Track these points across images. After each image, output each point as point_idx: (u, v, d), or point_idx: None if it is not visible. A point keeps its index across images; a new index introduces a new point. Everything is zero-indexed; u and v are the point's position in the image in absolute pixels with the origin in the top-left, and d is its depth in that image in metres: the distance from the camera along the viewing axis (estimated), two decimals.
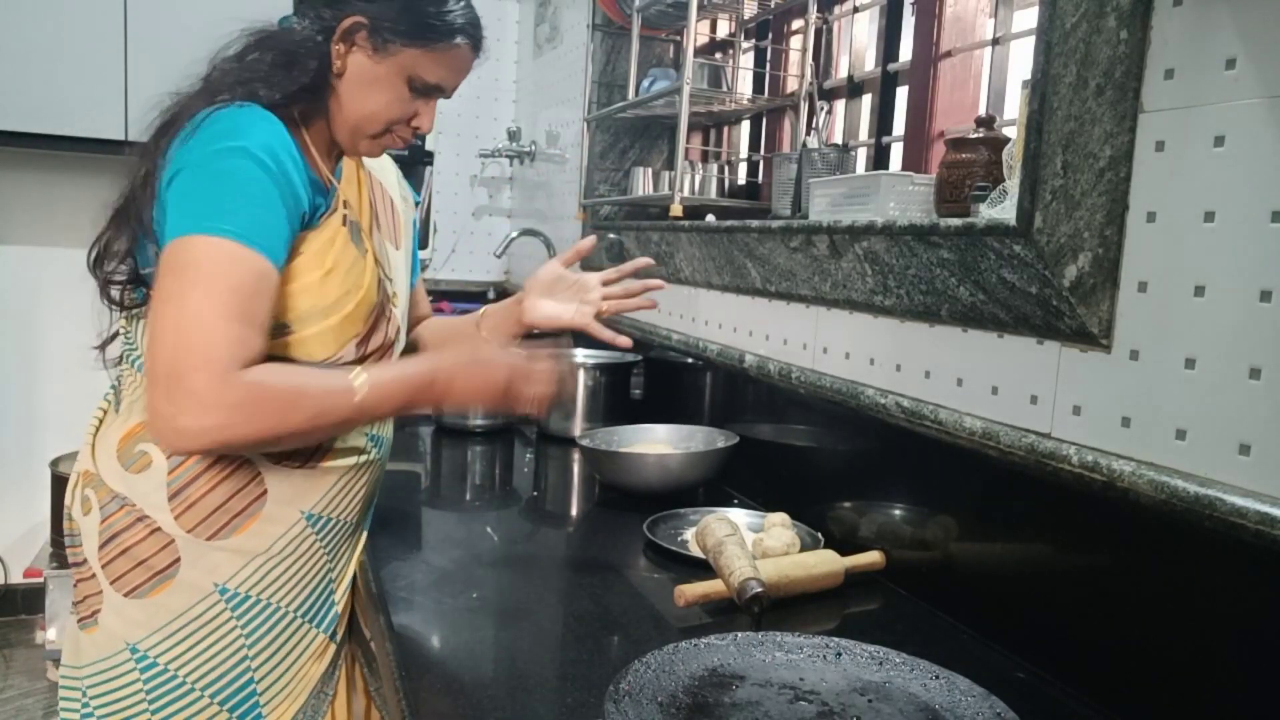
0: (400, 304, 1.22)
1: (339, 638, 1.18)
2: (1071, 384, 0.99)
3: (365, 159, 1.23)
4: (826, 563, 1.20)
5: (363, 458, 1.16)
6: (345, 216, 1.11)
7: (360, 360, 1.11)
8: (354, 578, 1.21)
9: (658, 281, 1.40)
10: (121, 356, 1.16)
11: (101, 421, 1.16)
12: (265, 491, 1.08)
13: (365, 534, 1.24)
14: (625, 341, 1.33)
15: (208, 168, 0.99)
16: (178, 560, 1.05)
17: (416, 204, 1.36)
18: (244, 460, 1.06)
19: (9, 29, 2.62)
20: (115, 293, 1.10)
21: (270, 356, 1.01)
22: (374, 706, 1.24)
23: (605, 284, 1.36)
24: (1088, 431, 0.97)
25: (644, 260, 1.40)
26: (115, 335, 1.18)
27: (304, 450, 1.09)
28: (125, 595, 1.06)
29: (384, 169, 1.30)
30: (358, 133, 1.13)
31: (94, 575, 1.08)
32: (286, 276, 1.03)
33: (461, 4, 1.13)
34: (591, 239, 1.41)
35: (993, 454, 1.07)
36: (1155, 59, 0.90)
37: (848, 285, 1.35)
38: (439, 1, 1.11)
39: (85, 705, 1.09)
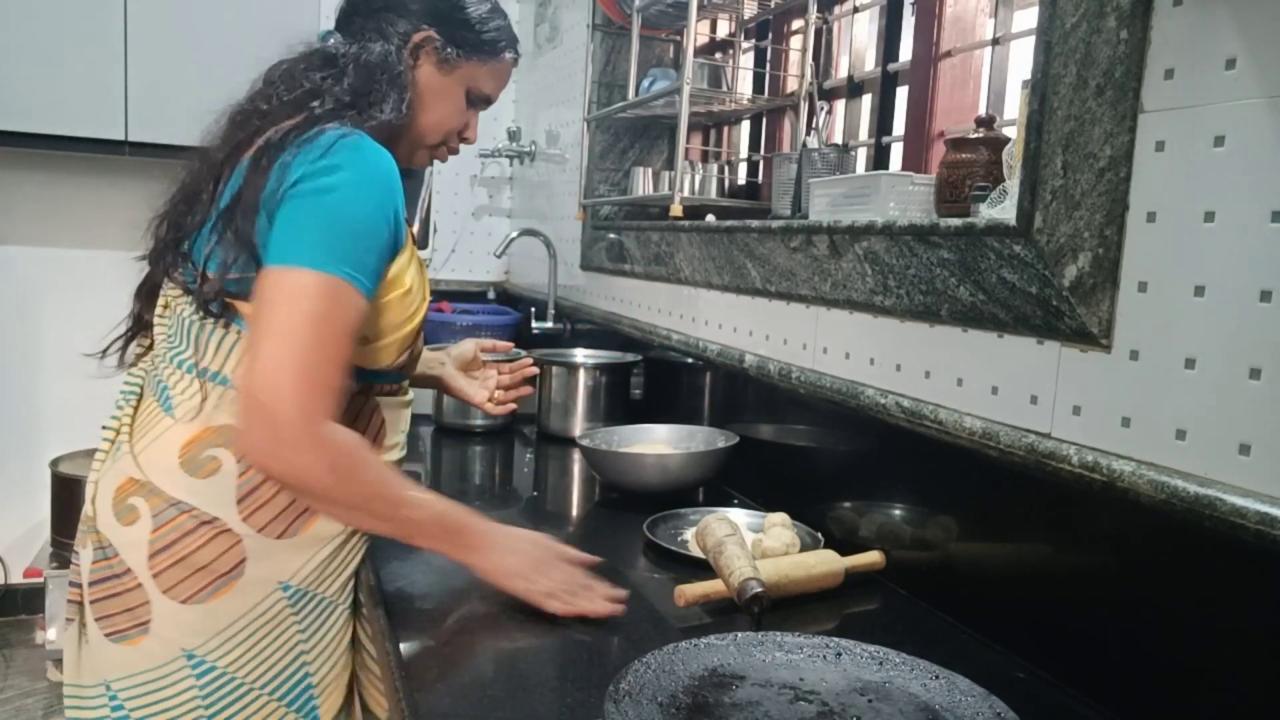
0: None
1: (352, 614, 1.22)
2: (1071, 384, 0.99)
3: None
4: (826, 562, 1.20)
5: (399, 454, 1.23)
6: (411, 235, 1.16)
7: (404, 365, 1.19)
8: None
9: (527, 361, 1.63)
10: (162, 357, 1.13)
11: (132, 426, 1.13)
12: None
13: None
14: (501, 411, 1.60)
15: (333, 198, 1.01)
16: (244, 561, 1.06)
17: None
18: None
19: (9, 29, 2.62)
20: (211, 305, 1.07)
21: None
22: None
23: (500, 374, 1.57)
24: (1088, 431, 0.97)
25: (525, 362, 1.63)
26: (132, 337, 1.20)
27: None
28: (182, 602, 1.05)
29: None
30: (417, 144, 1.21)
31: (138, 585, 1.06)
32: (376, 295, 1.08)
33: (506, 20, 1.23)
34: (508, 345, 1.69)
35: (993, 454, 1.07)
36: (1155, 59, 0.90)
37: (848, 285, 1.35)
38: (491, 17, 1.20)
39: (120, 714, 1.06)
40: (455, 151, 1.28)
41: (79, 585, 1.12)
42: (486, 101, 1.24)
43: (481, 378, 1.59)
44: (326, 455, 0.99)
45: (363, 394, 1.15)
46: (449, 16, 1.16)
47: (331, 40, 1.18)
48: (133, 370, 1.19)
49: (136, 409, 1.15)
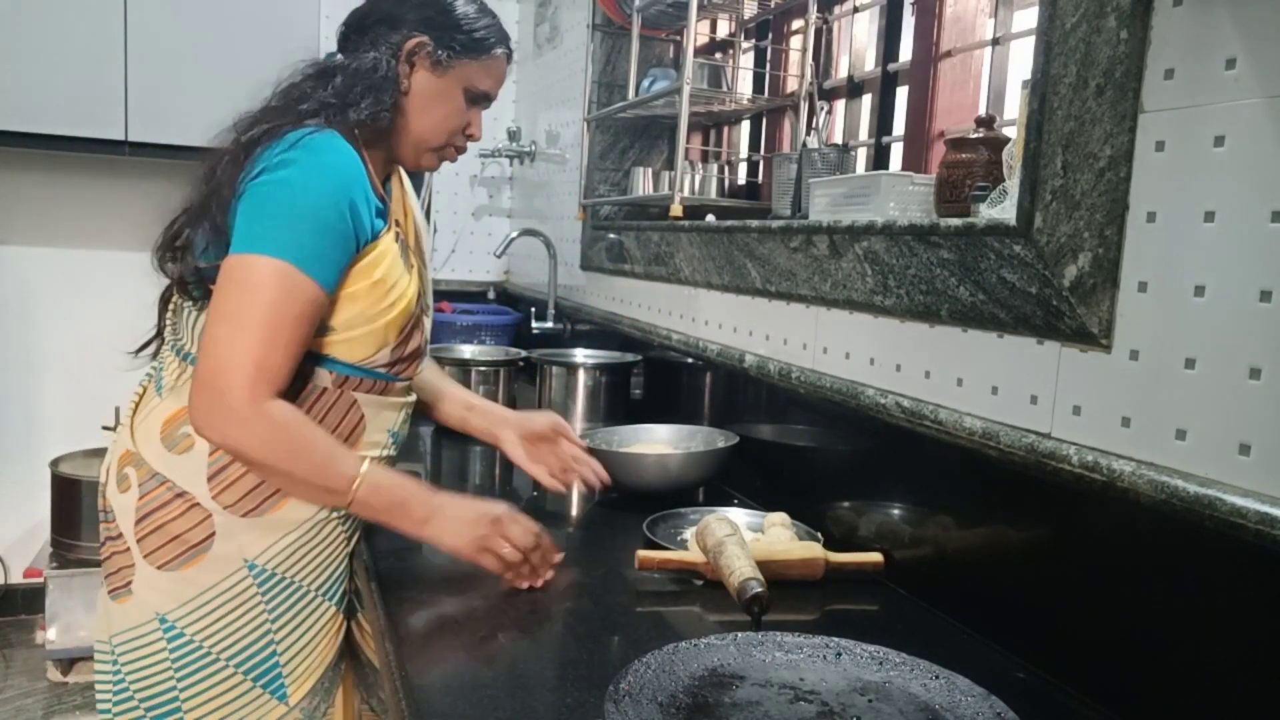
0: (430, 317, 1.33)
1: (342, 612, 1.24)
2: (1071, 384, 0.99)
3: (405, 185, 1.34)
4: (806, 549, 1.22)
5: (383, 452, 1.24)
6: (397, 234, 1.21)
7: (394, 364, 1.21)
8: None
9: (598, 477, 1.46)
10: (166, 344, 1.23)
11: (139, 404, 1.22)
12: None
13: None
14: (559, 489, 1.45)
15: (286, 189, 1.07)
16: (213, 535, 1.13)
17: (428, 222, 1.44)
18: None
19: (9, 29, 2.62)
20: (191, 289, 1.16)
21: (310, 353, 1.12)
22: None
23: (575, 460, 1.44)
24: (1088, 431, 0.97)
25: (597, 471, 1.47)
26: (156, 336, 1.26)
27: (337, 437, 1.16)
28: (158, 568, 1.13)
29: (410, 193, 1.38)
30: (421, 146, 1.25)
31: (128, 549, 1.15)
32: (337, 284, 1.12)
33: (495, 18, 1.27)
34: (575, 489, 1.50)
35: (993, 454, 1.07)
36: (1155, 59, 0.90)
37: (848, 285, 1.35)
38: (480, 16, 1.25)
39: (117, 672, 1.15)
40: (463, 150, 1.31)
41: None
42: (486, 99, 1.28)
43: (545, 453, 1.47)
44: (262, 429, 1.06)
45: (339, 386, 1.17)
46: (438, 21, 1.21)
47: (333, 57, 1.24)
48: (153, 362, 1.27)
49: (144, 392, 1.23)
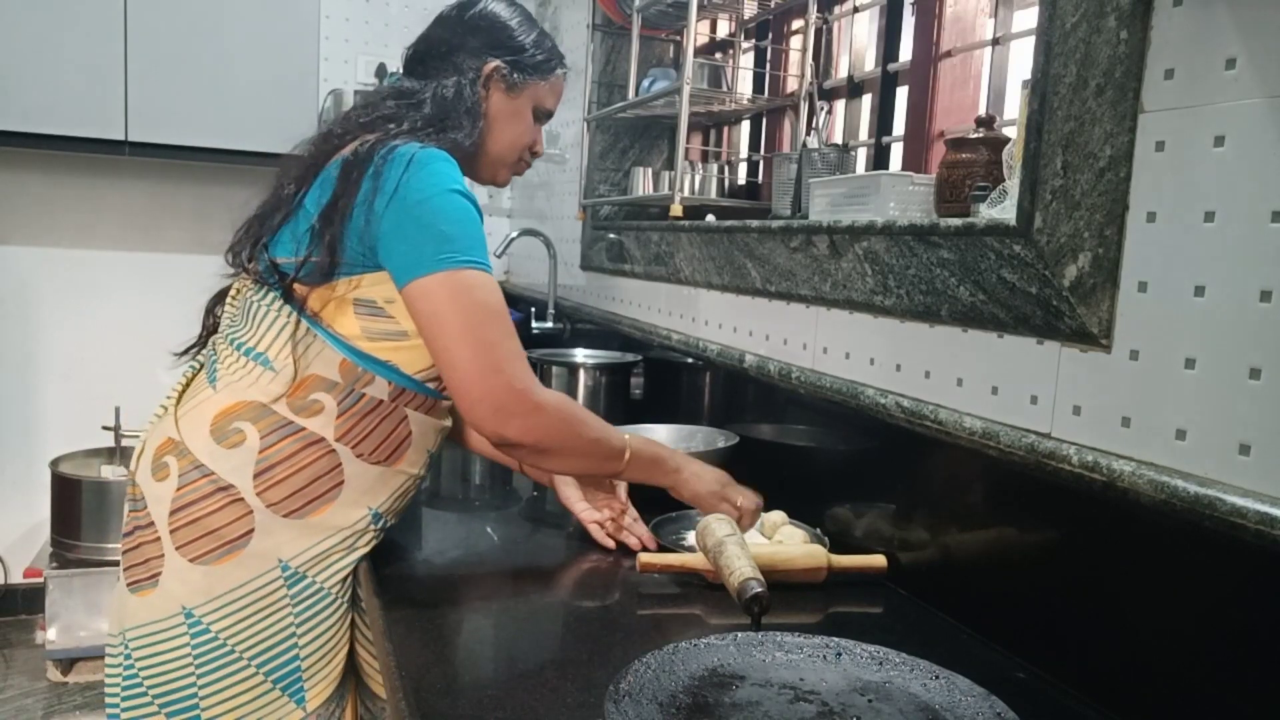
0: None
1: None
2: (1071, 384, 0.99)
3: None
4: (811, 556, 1.21)
5: (419, 470, 1.26)
6: None
7: (439, 376, 1.22)
8: None
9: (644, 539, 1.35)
10: (221, 336, 1.23)
11: (184, 392, 1.23)
12: (342, 483, 1.16)
13: None
14: (609, 544, 1.34)
15: (441, 207, 1.12)
16: (251, 532, 1.13)
17: None
18: (329, 450, 1.15)
19: (9, 29, 2.62)
20: (270, 279, 1.18)
21: (374, 359, 1.16)
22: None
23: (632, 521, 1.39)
24: (1088, 431, 0.97)
25: (638, 532, 1.36)
26: (200, 341, 1.29)
27: (384, 450, 1.19)
28: (191, 561, 1.13)
29: None
30: (500, 163, 1.35)
31: (158, 538, 1.14)
32: None
33: (551, 39, 1.37)
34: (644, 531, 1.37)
35: (993, 454, 1.07)
36: (1155, 59, 0.90)
37: (848, 285, 1.35)
38: (541, 39, 1.34)
39: (130, 667, 1.14)
40: (529, 165, 1.41)
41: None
42: (549, 115, 1.39)
43: (601, 503, 1.39)
44: (554, 411, 1.14)
45: (394, 399, 1.18)
46: (509, 45, 1.30)
47: (405, 82, 1.30)
48: (198, 355, 1.29)
49: (190, 381, 1.24)
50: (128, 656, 1.14)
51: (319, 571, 1.16)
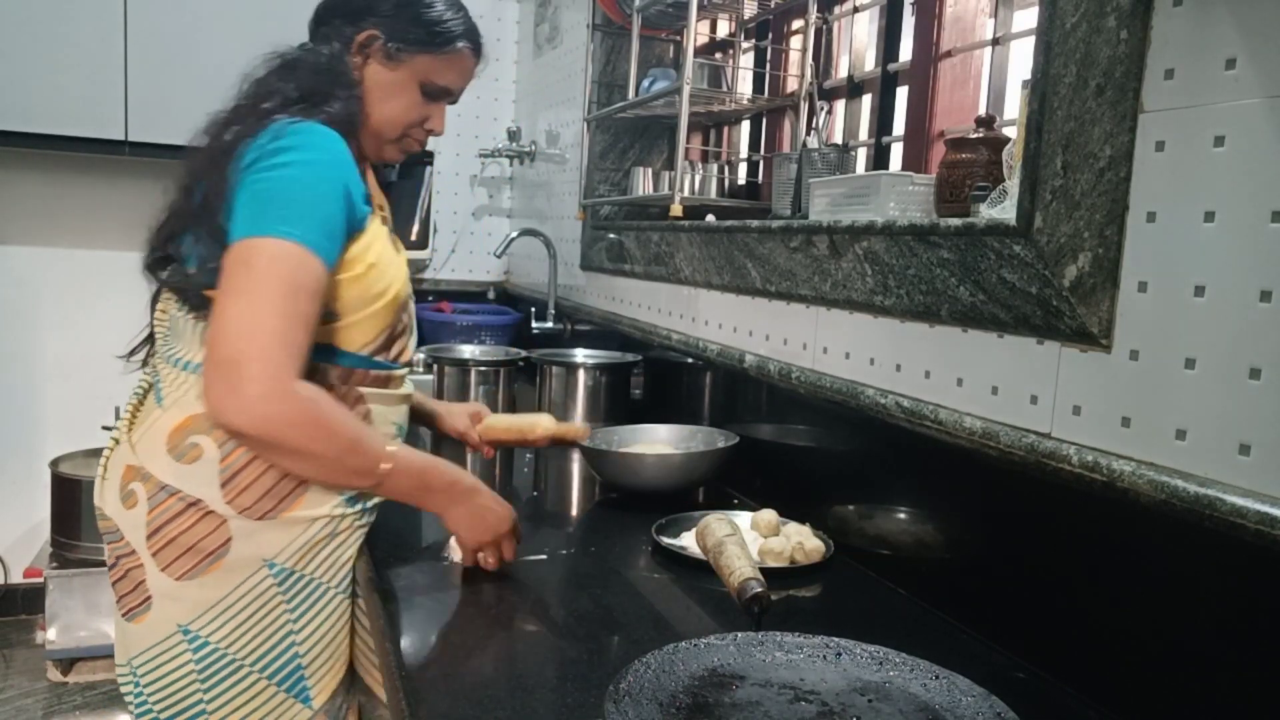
0: (413, 303, 1.33)
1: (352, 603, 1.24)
2: (1071, 384, 0.99)
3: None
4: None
5: (394, 446, 1.22)
6: (384, 218, 1.23)
7: (388, 346, 1.22)
8: None
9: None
10: (159, 355, 1.22)
11: (135, 417, 1.21)
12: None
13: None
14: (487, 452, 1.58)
15: (281, 174, 1.07)
16: (229, 540, 1.12)
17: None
18: None
19: (9, 29, 2.62)
20: (190, 297, 1.15)
21: (316, 346, 1.10)
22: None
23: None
24: (1088, 431, 0.97)
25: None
26: (148, 340, 1.26)
27: None
28: (177, 579, 1.12)
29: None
30: (379, 138, 1.25)
31: (142, 564, 1.14)
32: (336, 269, 1.12)
33: (462, 13, 1.27)
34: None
35: (993, 454, 1.07)
36: (1155, 59, 0.90)
37: (848, 285, 1.35)
38: (442, 10, 1.24)
39: (139, 695, 1.14)
40: (421, 144, 1.30)
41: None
42: (446, 94, 1.27)
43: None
44: (296, 407, 1.03)
45: (344, 382, 1.18)
46: (395, 14, 1.21)
47: (292, 52, 1.24)
48: (144, 370, 1.26)
49: (140, 405, 1.22)
50: (137, 684, 1.14)
51: (307, 564, 1.15)
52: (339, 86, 1.19)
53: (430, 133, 1.28)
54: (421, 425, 1.55)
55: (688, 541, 1.33)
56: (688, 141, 1.94)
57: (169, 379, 1.18)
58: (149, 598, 1.13)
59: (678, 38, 2.39)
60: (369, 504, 1.21)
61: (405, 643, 1.02)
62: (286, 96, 1.16)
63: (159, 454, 1.14)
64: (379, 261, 1.17)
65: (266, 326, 1.01)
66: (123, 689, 1.18)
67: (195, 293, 1.13)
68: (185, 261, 1.15)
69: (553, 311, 2.75)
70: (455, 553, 1.25)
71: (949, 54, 1.59)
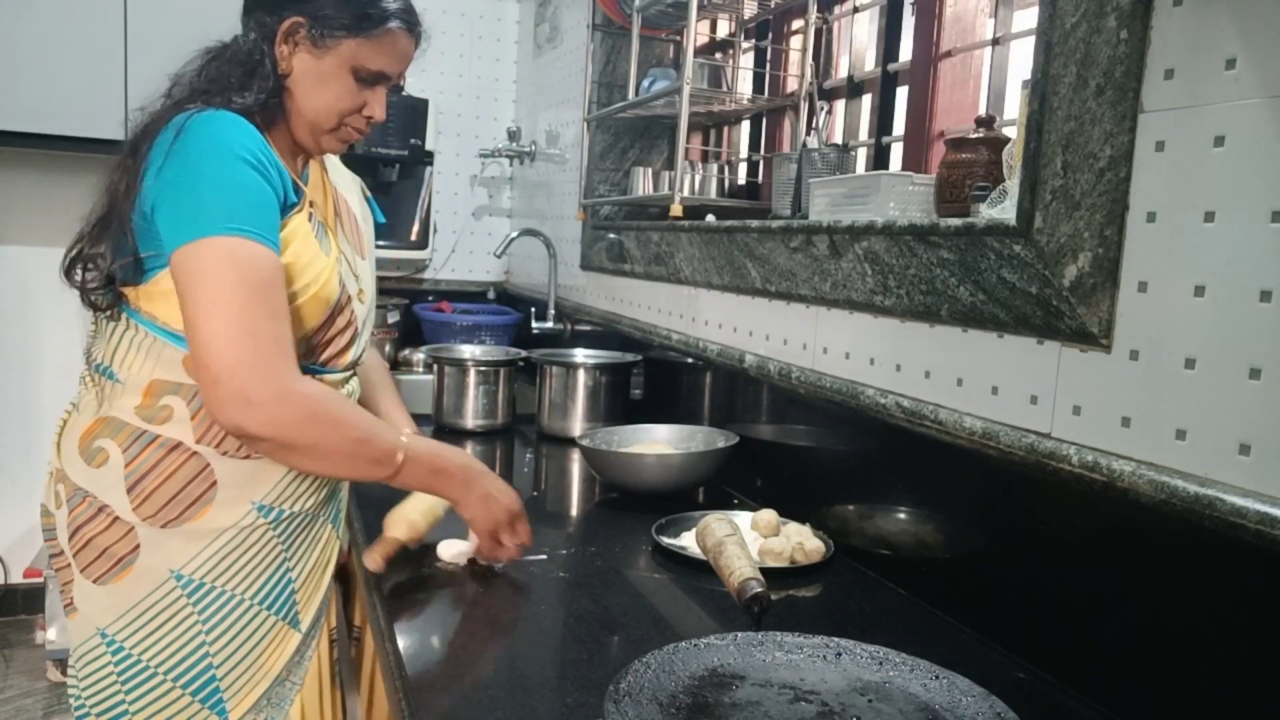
0: (366, 304, 1.27)
1: (304, 628, 1.19)
2: (1071, 384, 0.99)
3: (331, 175, 1.30)
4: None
5: None
6: (311, 215, 1.17)
7: (313, 351, 1.17)
8: (332, 571, 1.24)
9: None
10: (85, 359, 1.20)
11: (66, 422, 1.20)
12: (215, 482, 1.11)
13: (333, 528, 1.25)
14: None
15: (204, 171, 1.04)
16: (138, 547, 1.11)
17: (379, 224, 1.41)
18: (194, 453, 1.10)
19: (9, 29, 2.62)
20: (96, 298, 1.13)
21: None
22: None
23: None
24: (1088, 431, 0.97)
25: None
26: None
27: None
28: (94, 582, 1.12)
29: (348, 186, 1.35)
30: (316, 129, 1.19)
31: (69, 564, 1.14)
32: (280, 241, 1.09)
33: None
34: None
35: (993, 454, 1.07)
36: (1155, 59, 0.90)
37: (848, 285, 1.35)
38: None
39: (77, 693, 1.14)
40: (362, 132, 1.23)
41: None
42: (382, 78, 1.19)
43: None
44: (302, 405, 1.03)
45: None
46: (318, 0, 1.15)
47: (216, 42, 1.22)
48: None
49: (71, 410, 1.21)
50: (77, 682, 1.14)
51: (219, 576, 1.12)
52: (253, 77, 1.14)
53: (370, 120, 1.21)
54: None
55: (688, 541, 1.33)
56: (688, 141, 1.94)
57: (85, 382, 1.17)
58: (73, 599, 1.14)
59: (678, 38, 2.39)
60: (284, 512, 1.15)
61: (405, 643, 1.02)
62: (194, 88, 1.14)
63: (73, 457, 1.13)
64: (296, 260, 1.11)
65: (244, 331, 0.99)
66: (68, 686, 1.18)
67: (107, 291, 1.10)
68: (101, 263, 1.11)
69: (553, 311, 2.75)
70: (449, 555, 1.25)
71: (949, 54, 1.59)
